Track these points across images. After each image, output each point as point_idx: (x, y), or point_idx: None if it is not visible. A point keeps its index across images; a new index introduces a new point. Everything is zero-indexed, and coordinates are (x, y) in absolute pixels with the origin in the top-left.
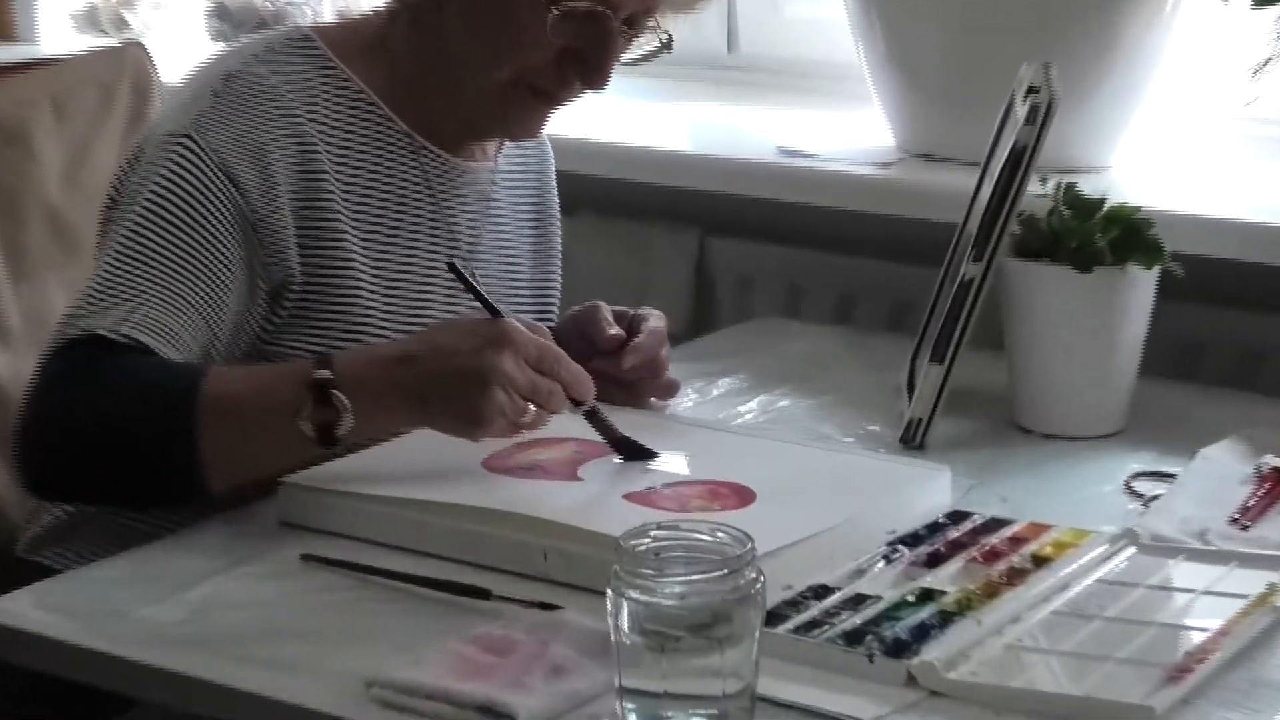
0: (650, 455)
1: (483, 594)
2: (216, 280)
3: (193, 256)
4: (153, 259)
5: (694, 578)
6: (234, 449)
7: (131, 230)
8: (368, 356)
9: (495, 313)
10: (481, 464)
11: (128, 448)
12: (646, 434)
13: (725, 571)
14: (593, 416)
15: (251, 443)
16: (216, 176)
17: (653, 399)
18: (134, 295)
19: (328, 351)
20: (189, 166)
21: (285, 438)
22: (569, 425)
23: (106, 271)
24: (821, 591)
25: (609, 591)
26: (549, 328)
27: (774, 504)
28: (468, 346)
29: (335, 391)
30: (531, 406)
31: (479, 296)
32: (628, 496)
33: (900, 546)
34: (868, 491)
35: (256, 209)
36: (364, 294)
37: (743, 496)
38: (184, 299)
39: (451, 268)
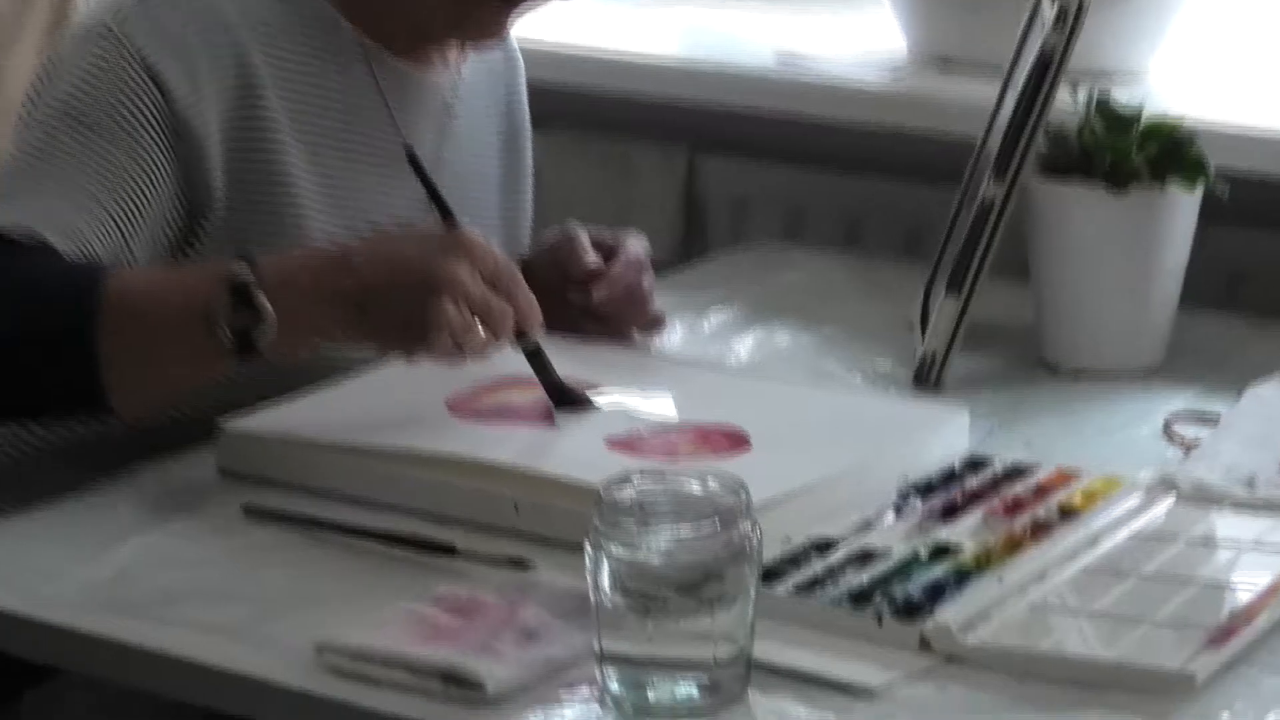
0: (586, 404)
1: (447, 550)
2: (133, 185)
3: (108, 158)
4: (65, 158)
5: (682, 531)
6: (139, 356)
7: (43, 128)
8: (300, 258)
9: (449, 216)
10: (445, 406)
11: (23, 349)
12: (627, 373)
13: (717, 523)
14: (535, 357)
15: (159, 349)
16: (137, 74)
17: (636, 334)
18: (41, 192)
19: (251, 249)
20: (109, 62)
21: (197, 345)
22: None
23: (14, 170)
24: (824, 546)
25: (587, 547)
26: (520, 258)
27: (771, 449)
28: (417, 252)
29: (257, 293)
30: (482, 328)
31: (434, 196)
32: (609, 443)
33: (912, 496)
34: (876, 435)
35: (180, 113)
36: (306, 217)
37: (736, 442)
38: (97, 201)
39: (410, 157)
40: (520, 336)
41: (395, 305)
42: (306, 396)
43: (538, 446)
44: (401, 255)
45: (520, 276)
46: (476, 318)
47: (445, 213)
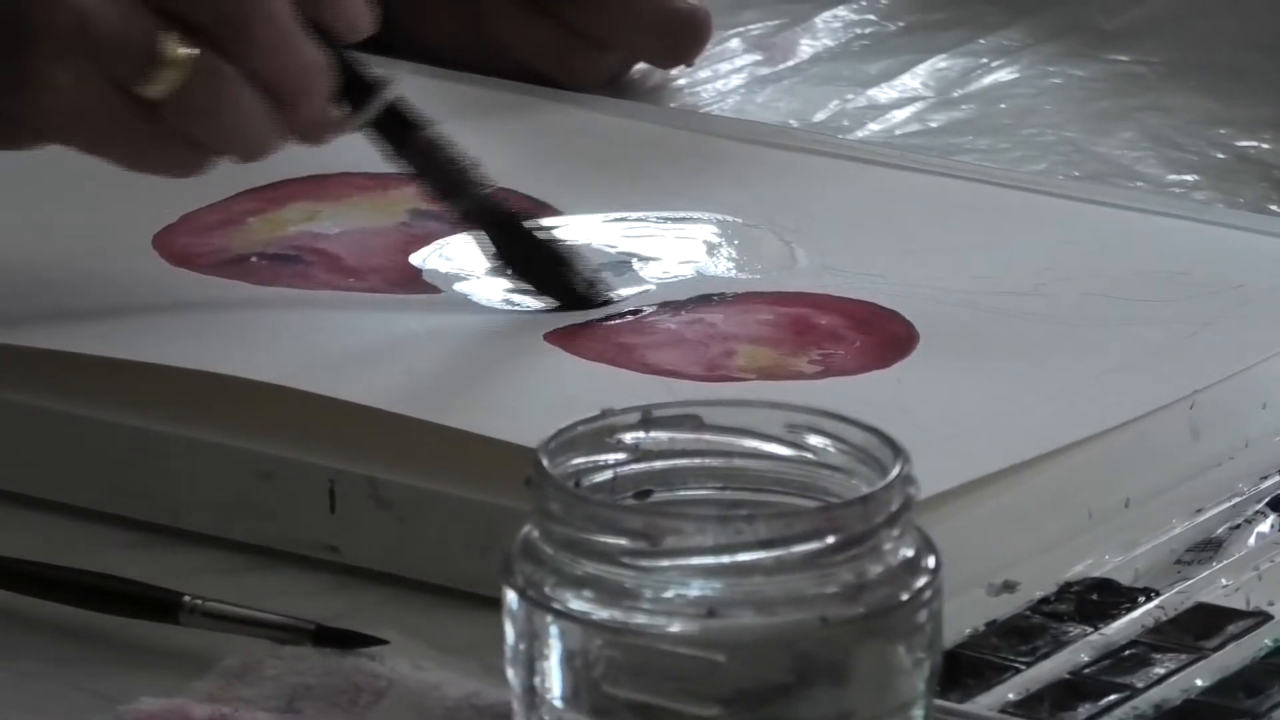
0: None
1: (168, 606)
2: None
3: None
4: None
5: (745, 560)
6: None
7: None
8: None
9: None
10: (158, 249)
11: None
12: (652, 176)
13: (830, 545)
14: (394, 123)
15: None
16: None
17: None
18: None
19: None
20: None
21: None
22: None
23: None
24: (1100, 602)
25: (509, 597)
26: None
27: (969, 360)
28: None
29: None
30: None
31: None
32: (561, 336)
33: None
34: (1230, 338)
35: None
36: None
37: (883, 337)
38: None
39: None
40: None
41: None
42: None
43: (383, 347)
44: None
45: None
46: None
47: None
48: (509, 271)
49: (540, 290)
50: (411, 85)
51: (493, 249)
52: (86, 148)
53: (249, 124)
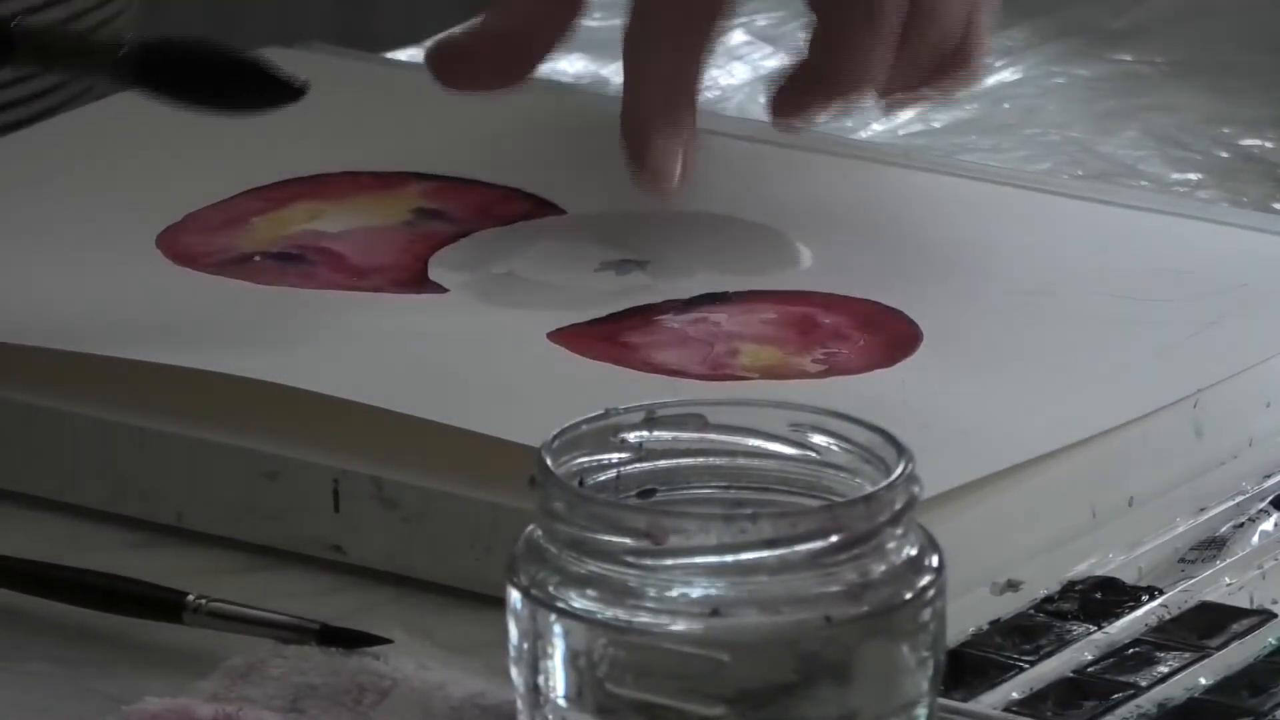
0: (284, 86)
1: (170, 605)
2: None
3: None
4: None
5: (748, 560)
6: None
7: None
8: None
9: None
10: (161, 248)
11: None
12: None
13: (835, 545)
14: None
15: None
16: None
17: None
18: None
19: None
20: None
21: None
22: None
23: None
24: (1103, 601)
25: (513, 596)
26: None
27: (973, 359)
28: None
29: None
30: None
31: None
32: (564, 335)
33: None
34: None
35: None
36: None
37: (887, 336)
38: None
39: None
40: None
41: None
42: None
43: (387, 346)
44: None
45: None
46: None
47: None
48: (200, 103)
49: (239, 103)
50: (412, 85)
51: (172, 93)
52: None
53: None
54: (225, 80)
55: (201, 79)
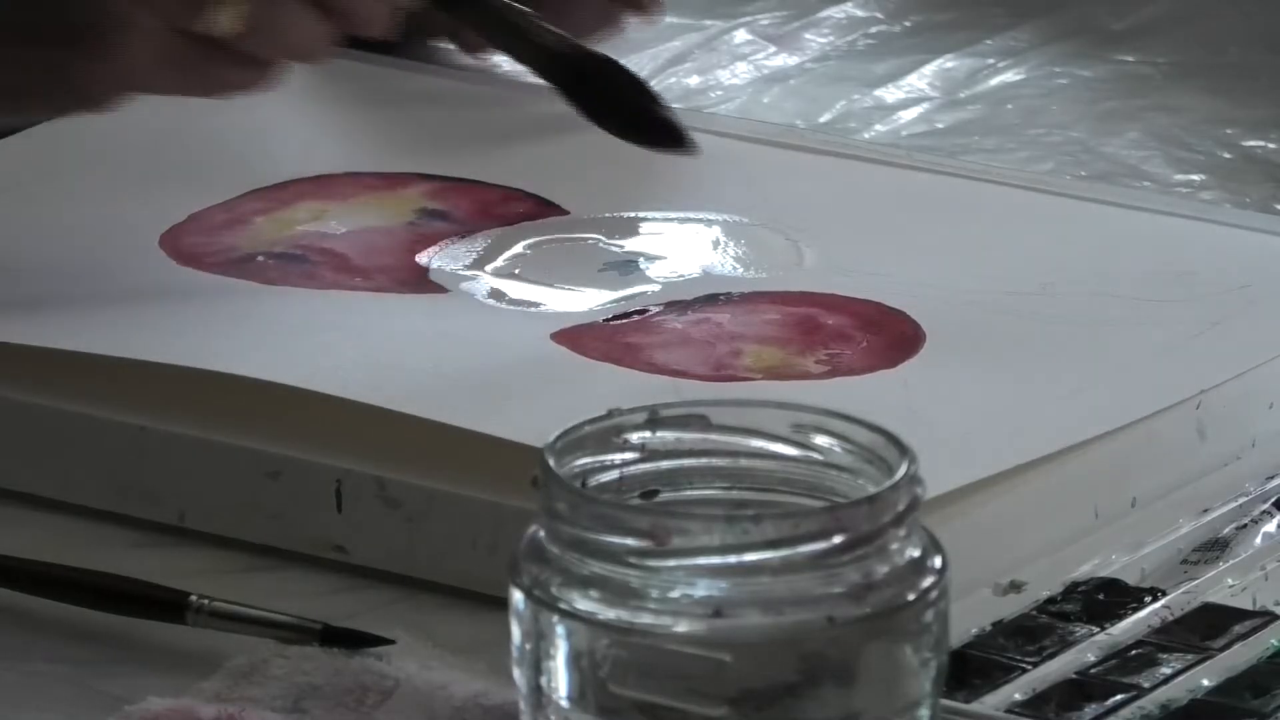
0: (678, 138)
1: (178, 610)
2: None
3: None
4: None
5: (751, 560)
6: None
7: None
8: None
9: None
10: (165, 248)
11: None
12: (659, 175)
13: (838, 544)
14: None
15: None
16: None
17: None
18: None
19: None
20: None
21: None
22: (414, 148)
23: None
24: (1106, 602)
25: (515, 597)
26: None
27: (975, 360)
28: None
29: None
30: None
31: None
32: (567, 335)
33: None
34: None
35: None
36: None
37: (890, 337)
38: None
39: None
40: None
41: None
42: None
43: (389, 347)
44: None
45: None
46: None
47: None
48: (599, 119)
49: (631, 131)
50: (413, 85)
51: (576, 100)
52: (168, 91)
53: (310, 32)
54: (633, 119)
55: (616, 112)
